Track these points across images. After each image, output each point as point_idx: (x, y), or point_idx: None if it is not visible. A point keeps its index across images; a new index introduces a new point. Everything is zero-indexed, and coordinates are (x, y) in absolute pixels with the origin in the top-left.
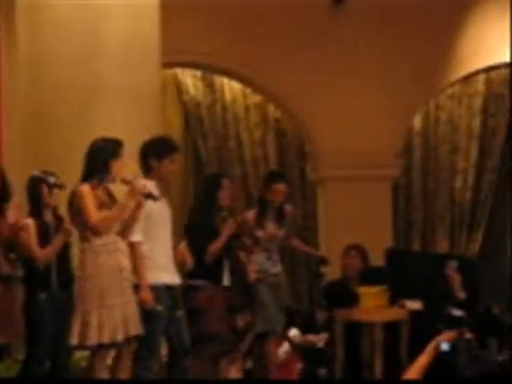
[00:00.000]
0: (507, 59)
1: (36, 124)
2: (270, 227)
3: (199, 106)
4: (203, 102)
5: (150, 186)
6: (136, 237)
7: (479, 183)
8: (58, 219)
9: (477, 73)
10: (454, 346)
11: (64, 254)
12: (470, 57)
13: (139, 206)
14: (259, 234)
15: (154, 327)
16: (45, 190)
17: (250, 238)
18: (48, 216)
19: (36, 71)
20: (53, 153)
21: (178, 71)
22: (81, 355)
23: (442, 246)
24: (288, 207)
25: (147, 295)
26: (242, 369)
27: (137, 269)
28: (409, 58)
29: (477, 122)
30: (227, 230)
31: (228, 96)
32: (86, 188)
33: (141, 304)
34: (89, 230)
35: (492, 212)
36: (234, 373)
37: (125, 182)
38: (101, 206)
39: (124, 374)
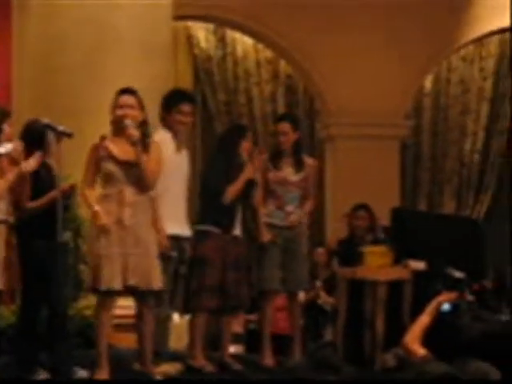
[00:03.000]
0: None
1: (45, 74)
2: (285, 171)
3: (210, 59)
4: (214, 55)
5: (168, 137)
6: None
7: (488, 146)
8: (50, 169)
9: (490, 34)
10: (455, 307)
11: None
12: (483, 18)
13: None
14: (270, 175)
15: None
16: (51, 137)
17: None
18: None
19: (46, 23)
20: (62, 102)
21: (190, 24)
22: (85, 304)
23: (449, 206)
24: (308, 159)
25: (164, 239)
26: (244, 323)
27: (154, 217)
28: (421, 19)
29: (488, 85)
30: (246, 172)
31: (239, 50)
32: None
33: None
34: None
35: (500, 175)
36: (236, 326)
37: None
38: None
39: (147, 327)
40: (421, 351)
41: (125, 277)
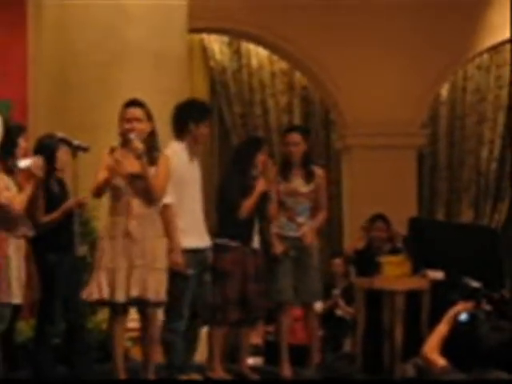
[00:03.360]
0: None
1: (61, 87)
2: (295, 183)
3: (225, 71)
4: (229, 67)
5: (180, 148)
6: (167, 199)
7: (505, 154)
8: (62, 184)
9: (505, 42)
10: (472, 316)
11: (71, 218)
12: (498, 26)
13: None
14: (280, 187)
15: (182, 290)
16: (65, 152)
17: (273, 202)
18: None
19: (62, 34)
20: (77, 117)
21: (205, 37)
22: (103, 317)
23: (467, 216)
24: (318, 170)
25: (178, 258)
26: (263, 334)
27: (168, 231)
28: (436, 28)
29: (504, 93)
30: (260, 186)
31: (254, 62)
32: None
33: (172, 266)
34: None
35: None
36: (255, 338)
37: None
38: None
39: (152, 340)
40: (441, 361)
41: (129, 289)
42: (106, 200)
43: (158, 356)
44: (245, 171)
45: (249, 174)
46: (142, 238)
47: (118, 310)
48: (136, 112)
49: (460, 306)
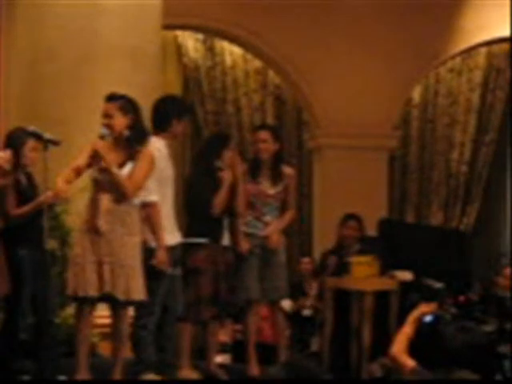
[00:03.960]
0: (508, 34)
1: (33, 81)
2: (263, 184)
3: (199, 69)
4: (203, 65)
5: (162, 145)
6: (152, 197)
7: (476, 157)
8: (30, 177)
9: (478, 46)
10: (436, 317)
11: (40, 212)
12: (471, 30)
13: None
14: (249, 187)
15: (156, 287)
16: (33, 145)
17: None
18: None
19: (35, 28)
20: (49, 111)
21: (179, 33)
22: (71, 312)
23: (436, 218)
24: (288, 169)
25: (162, 256)
26: (231, 333)
27: (153, 229)
28: (410, 30)
29: (476, 96)
30: (227, 178)
31: (228, 60)
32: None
33: (157, 264)
34: None
35: (487, 186)
36: (223, 336)
37: None
38: None
39: (121, 336)
40: (410, 362)
41: (100, 284)
42: (76, 193)
43: (126, 352)
44: (210, 169)
45: (215, 170)
46: (110, 234)
47: (85, 306)
48: (107, 107)
49: (424, 308)
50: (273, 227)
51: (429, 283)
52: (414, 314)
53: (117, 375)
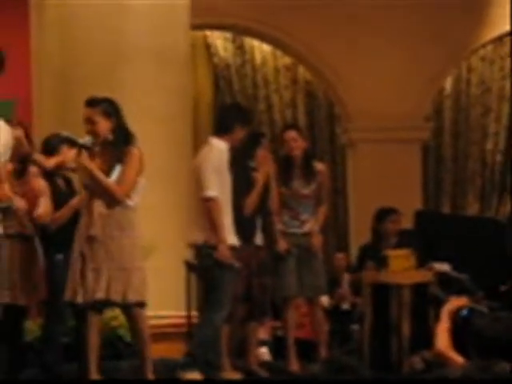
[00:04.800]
0: None
1: (64, 85)
2: (295, 184)
3: (229, 67)
4: (233, 63)
5: (223, 146)
6: (211, 192)
7: (510, 145)
8: (69, 183)
9: (509, 34)
10: (471, 309)
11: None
12: (502, 18)
13: None
14: (283, 190)
15: (224, 283)
16: (68, 150)
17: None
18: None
19: (65, 32)
20: (81, 114)
21: (208, 33)
22: (112, 315)
23: (473, 208)
24: (319, 165)
25: (224, 250)
26: (270, 330)
27: (213, 224)
28: (439, 21)
29: (508, 84)
30: (261, 178)
31: (258, 58)
32: None
33: (221, 259)
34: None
35: None
36: (263, 334)
37: None
38: None
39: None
40: (459, 359)
41: (95, 291)
42: None
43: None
44: (245, 168)
45: (249, 170)
46: (105, 239)
47: (92, 313)
48: (89, 113)
49: (456, 301)
50: (310, 230)
51: (459, 277)
52: (450, 308)
53: (149, 375)
